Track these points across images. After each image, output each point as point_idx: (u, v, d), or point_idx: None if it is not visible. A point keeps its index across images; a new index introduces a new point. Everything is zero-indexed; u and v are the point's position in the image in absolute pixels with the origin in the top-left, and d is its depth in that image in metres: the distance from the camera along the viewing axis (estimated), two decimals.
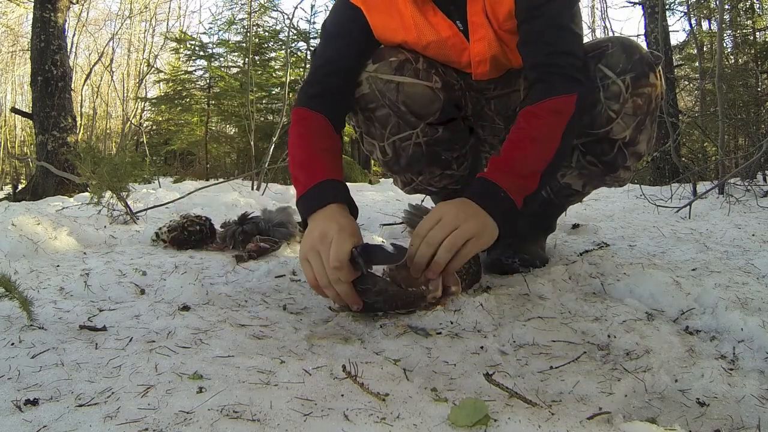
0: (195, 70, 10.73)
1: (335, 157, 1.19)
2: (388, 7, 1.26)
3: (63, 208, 3.06)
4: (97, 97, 14.49)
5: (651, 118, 1.31)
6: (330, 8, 1.42)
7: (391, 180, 1.60)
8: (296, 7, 16.09)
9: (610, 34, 13.12)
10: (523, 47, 1.22)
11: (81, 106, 12.72)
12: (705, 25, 9.17)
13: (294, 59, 8.74)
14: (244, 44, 9.56)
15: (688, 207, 2.71)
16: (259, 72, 9.45)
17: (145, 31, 15.14)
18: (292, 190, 5.00)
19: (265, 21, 10.08)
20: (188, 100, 10.18)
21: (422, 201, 2.55)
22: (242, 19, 10.12)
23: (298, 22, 22.19)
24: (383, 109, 1.31)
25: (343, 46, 1.29)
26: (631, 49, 1.26)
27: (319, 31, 1.41)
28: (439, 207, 1.09)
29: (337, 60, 1.28)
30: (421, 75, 1.30)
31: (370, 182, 6.88)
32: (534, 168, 1.10)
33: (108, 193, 2.42)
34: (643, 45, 1.32)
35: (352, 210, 1.13)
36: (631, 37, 1.34)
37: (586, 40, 1.29)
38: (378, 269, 1.10)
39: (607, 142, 1.32)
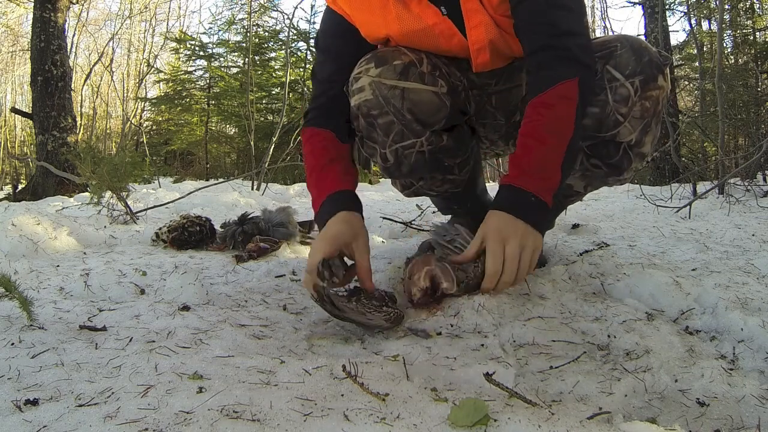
0: (195, 70, 10.75)
1: (344, 164, 1.29)
2: (369, 4, 1.25)
3: (63, 208, 3.07)
4: (97, 97, 14.50)
5: (656, 119, 1.29)
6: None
7: (390, 180, 1.59)
8: (296, 7, 16.15)
9: (611, 34, 13.09)
10: (521, 32, 1.18)
11: (81, 106, 12.74)
12: (705, 25, 9.16)
13: (294, 59, 8.75)
14: (244, 44, 9.57)
15: (688, 207, 2.71)
16: (259, 72, 9.46)
17: (145, 31, 15.17)
18: (292, 190, 5.00)
19: (265, 21, 10.10)
20: (188, 100, 10.19)
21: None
22: (242, 19, 10.14)
23: (298, 22, 22.22)
24: (387, 116, 1.27)
25: (337, 59, 1.33)
26: (640, 51, 1.23)
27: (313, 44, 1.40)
28: (489, 243, 1.07)
29: (334, 77, 1.33)
30: (426, 79, 1.25)
31: (370, 182, 6.88)
32: (555, 161, 1.08)
33: (108, 193, 2.42)
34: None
35: (357, 206, 1.24)
36: (639, 36, 1.31)
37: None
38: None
39: (613, 144, 1.30)
